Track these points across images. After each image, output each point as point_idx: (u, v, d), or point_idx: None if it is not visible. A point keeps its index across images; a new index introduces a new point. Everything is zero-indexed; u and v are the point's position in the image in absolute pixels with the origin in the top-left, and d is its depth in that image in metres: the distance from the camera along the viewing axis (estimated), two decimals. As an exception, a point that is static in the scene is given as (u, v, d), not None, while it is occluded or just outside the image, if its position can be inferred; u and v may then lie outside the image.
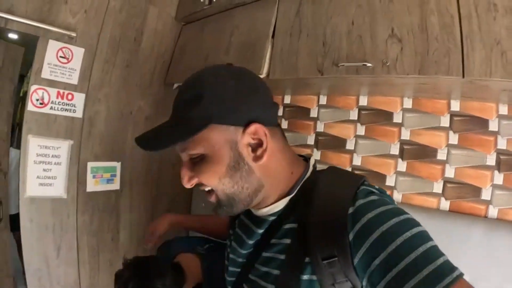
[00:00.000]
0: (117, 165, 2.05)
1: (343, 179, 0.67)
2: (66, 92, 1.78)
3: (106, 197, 2.01)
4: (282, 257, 0.65)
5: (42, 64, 1.67)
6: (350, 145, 1.65)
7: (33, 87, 1.66)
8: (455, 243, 1.14)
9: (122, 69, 1.99)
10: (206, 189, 0.69)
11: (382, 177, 1.52)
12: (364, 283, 0.57)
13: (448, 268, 0.52)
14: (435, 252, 0.54)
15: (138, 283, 0.86)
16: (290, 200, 0.68)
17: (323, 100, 1.77)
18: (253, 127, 0.63)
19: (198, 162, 0.65)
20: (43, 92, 1.70)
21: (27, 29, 1.58)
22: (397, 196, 1.46)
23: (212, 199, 0.69)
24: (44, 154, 1.75)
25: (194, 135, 0.63)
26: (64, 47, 1.73)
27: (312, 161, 0.73)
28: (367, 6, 1.24)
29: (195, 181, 0.67)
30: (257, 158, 0.65)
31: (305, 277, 0.61)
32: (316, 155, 1.75)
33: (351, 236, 0.58)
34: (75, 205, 1.88)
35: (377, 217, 0.57)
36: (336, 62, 1.25)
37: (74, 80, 1.80)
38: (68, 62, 1.76)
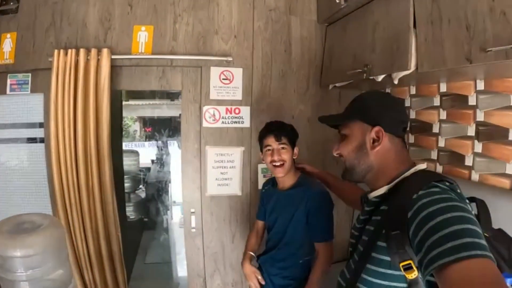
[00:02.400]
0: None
1: (425, 177, 0.86)
2: (233, 107, 2.11)
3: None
4: (372, 228, 0.91)
5: (208, 88, 2.04)
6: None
7: (205, 108, 2.06)
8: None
9: (278, 79, 2.18)
10: (342, 159, 1.05)
11: None
12: (417, 257, 0.73)
13: (472, 247, 0.64)
14: (468, 233, 0.66)
15: None
16: (389, 189, 0.93)
17: (481, 85, 1.43)
18: (377, 128, 0.96)
19: (343, 141, 1.04)
20: (214, 111, 2.07)
21: (190, 63, 1.96)
22: None
23: (345, 166, 1.06)
24: (220, 160, 2.15)
25: (347, 121, 1.05)
26: (224, 71, 2.06)
27: (420, 166, 0.95)
28: (504, -28, 0.99)
29: (338, 151, 1.05)
30: (373, 148, 0.97)
31: (379, 243, 0.85)
32: (477, 147, 1.46)
33: (409, 215, 0.77)
34: (248, 200, 2.21)
35: (430, 202, 0.75)
36: (483, 47, 1.07)
37: (238, 96, 2.12)
38: (230, 82, 2.08)
